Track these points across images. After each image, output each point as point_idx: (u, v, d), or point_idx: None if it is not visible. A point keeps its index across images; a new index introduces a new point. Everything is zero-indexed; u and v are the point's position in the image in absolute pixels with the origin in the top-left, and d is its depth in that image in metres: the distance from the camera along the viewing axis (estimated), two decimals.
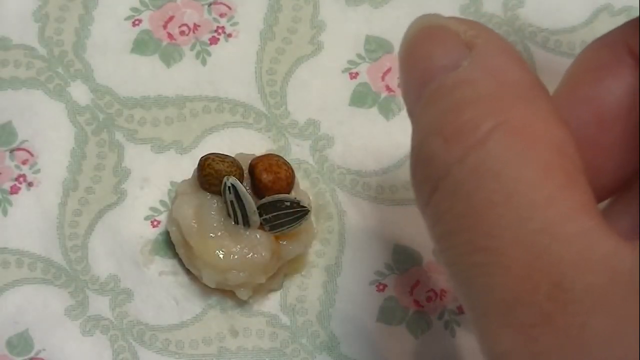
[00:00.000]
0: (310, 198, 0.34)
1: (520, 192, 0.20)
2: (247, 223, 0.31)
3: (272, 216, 0.31)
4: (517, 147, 0.20)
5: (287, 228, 0.31)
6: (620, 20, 0.36)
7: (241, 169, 0.32)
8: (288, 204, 0.31)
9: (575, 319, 0.19)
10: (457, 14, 0.36)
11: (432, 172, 0.21)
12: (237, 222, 0.31)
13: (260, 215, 0.31)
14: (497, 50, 0.22)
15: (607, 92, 0.25)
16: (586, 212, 0.20)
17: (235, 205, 0.31)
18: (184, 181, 0.33)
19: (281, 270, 0.33)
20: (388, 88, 0.35)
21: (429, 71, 0.23)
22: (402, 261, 0.34)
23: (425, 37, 0.23)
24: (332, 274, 0.34)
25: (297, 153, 0.35)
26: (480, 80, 0.22)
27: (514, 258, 0.20)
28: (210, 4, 0.36)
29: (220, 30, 0.36)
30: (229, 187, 0.31)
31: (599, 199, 0.25)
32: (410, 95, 0.23)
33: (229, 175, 0.31)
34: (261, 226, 0.31)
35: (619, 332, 0.18)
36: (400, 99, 0.35)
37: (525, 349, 0.19)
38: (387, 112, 0.35)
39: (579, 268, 0.19)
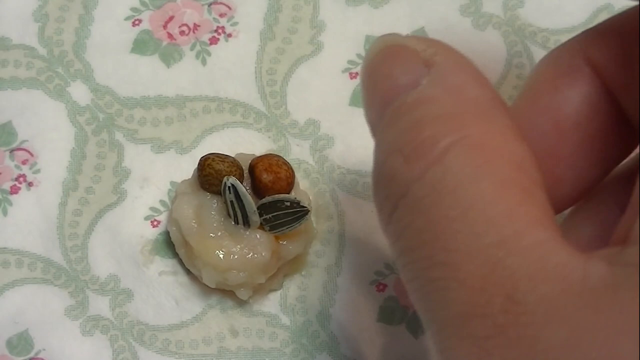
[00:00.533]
0: (310, 198, 0.34)
1: (476, 208, 0.20)
2: (247, 223, 0.31)
3: (272, 216, 0.31)
4: (474, 163, 0.21)
5: (287, 228, 0.31)
6: None
7: (241, 169, 0.32)
8: (288, 204, 0.31)
9: (528, 330, 0.19)
10: (457, 14, 0.36)
11: (393, 190, 0.22)
12: (237, 222, 0.31)
13: (260, 215, 0.31)
14: (456, 68, 0.23)
15: (565, 101, 0.25)
16: (541, 225, 0.20)
17: (235, 205, 0.31)
18: (184, 181, 0.33)
19: (281, 270, 0.33)
20: None
21: (390, 91, 0.23)
22: None
23: (386, 56, 0.24)
24: (332, 274, 0.34)
25: (297, 153, 0.35)
26: (439, 98, 0.22)
27: (469, 272, 0.20)
28: (210, 4, 0.36)
29: (220, 30, 0.36)
30: (229, 187, 0.31)
31: (559, 209, 0.25)
32: (372, 115, 0.24)
33: (229, 175, 0.31)
34: (261, 226, 0.31)
35: (571, 343, 0.18)
36: None
37: None
38: None
39: (532, 280, 0.19)
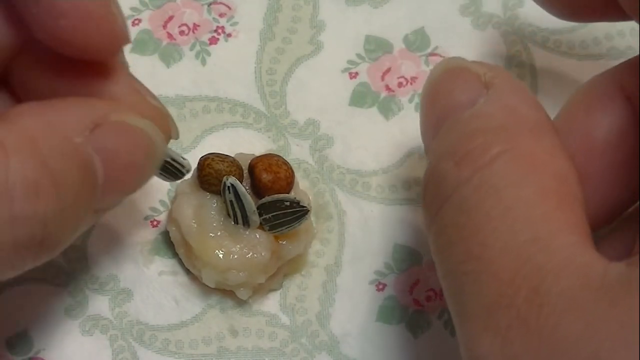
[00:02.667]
0: (310, 198, 0.34)
1: (516, 209, 0.22)
2: (246, 223, 0.31)
3: (271, 216, 0.31)
4: (520, 170, 0.22)
5: (287, 228, 0.31)
6: None
7: (241, 168, 0.32)
8: (288, 203, 0.31)
9: (549, 320, 0.20)
10: (457, 14, 0.36)
11: (441, 191, 0.23)
12: (236, 222, 0.31)
13: (260, 215, 0.31)
14: (512, 90, 0.25)
15: (597, 124, 0.26)
16: (574, 229, 0.22)
17: (235, 205, 0.31)
18: (183, 181, 0.33)
19: (281, 270, 0.33)
20: (388, 88, 0.35)
21: (448, 107, 0.25)
22: (401, 261, 0.34)
23: (448, 76, 0.26)
24: (332, 274, 0.34)
25: (297, 153, 0.35)
26: (494, 113, 0.24)
27: (501, 265, 0.21)
28: (209, 4, 0.36)
29: (220, 30, 0.36)
30: (228, 186, 0.31)
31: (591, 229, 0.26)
32: (428, 131, 0.26)
33: (229, 175, 0.31)
34: (261, 226, 0.31)
35: (588, 333, 0.19)
36: (399, 99, 0.35)
37: (502, 351, 0.21)
38: (386, 112, 0.35)
39: (557, 275, 0.20)
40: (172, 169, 0.29)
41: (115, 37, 0.26)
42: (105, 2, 0.26)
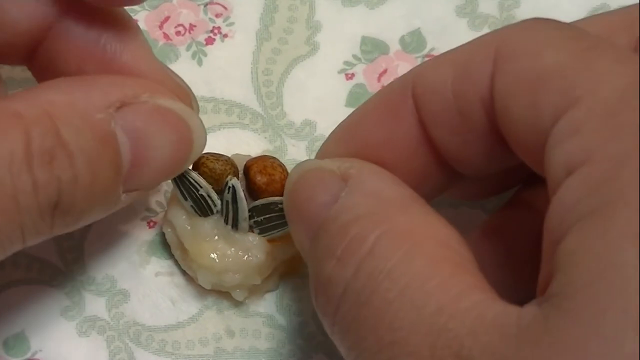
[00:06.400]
0: None
1: (411, 285, 0.21)
2: (235, 226, 0.31)
3: (264, 219, 0.31)
4: (404, 247, 0.22)
5: (278, 231, 0.31)
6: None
7: (236, 167, 0.32)
8: (280, 206, 0.31)
9: None
10: (452, 14, 0.36)
11: (332, 292, 0.23)
12: (227, 223, 0.31)
13: (252, 218, 0.31)
14: (371, 175, 0.25)
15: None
16: (476, 289, 0.21)
17: (230, 207, 0.31)
18: None
19: (276, 271, 0.33)
20: None
21: (314, 212, 0.25)
22: None
23: (304, 181, 0.26)
24: None
25: (294, 154, 0.35)
26: (359, 202, 0.24)
27: (417, 344, 0.21)
28: (206, 4, 0.36)
29: (216, 31, 0.36)
30: (229, 187, 0.30)
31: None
32: (303, 242, 0.26)
33: (225, 173, 0.31)
34: (251, 229, 0.31)
35: None
36: None
37: None
38: None
39: (474, 335, 0.20)
40: (203, 204, 0.31)
41: None
42: None
